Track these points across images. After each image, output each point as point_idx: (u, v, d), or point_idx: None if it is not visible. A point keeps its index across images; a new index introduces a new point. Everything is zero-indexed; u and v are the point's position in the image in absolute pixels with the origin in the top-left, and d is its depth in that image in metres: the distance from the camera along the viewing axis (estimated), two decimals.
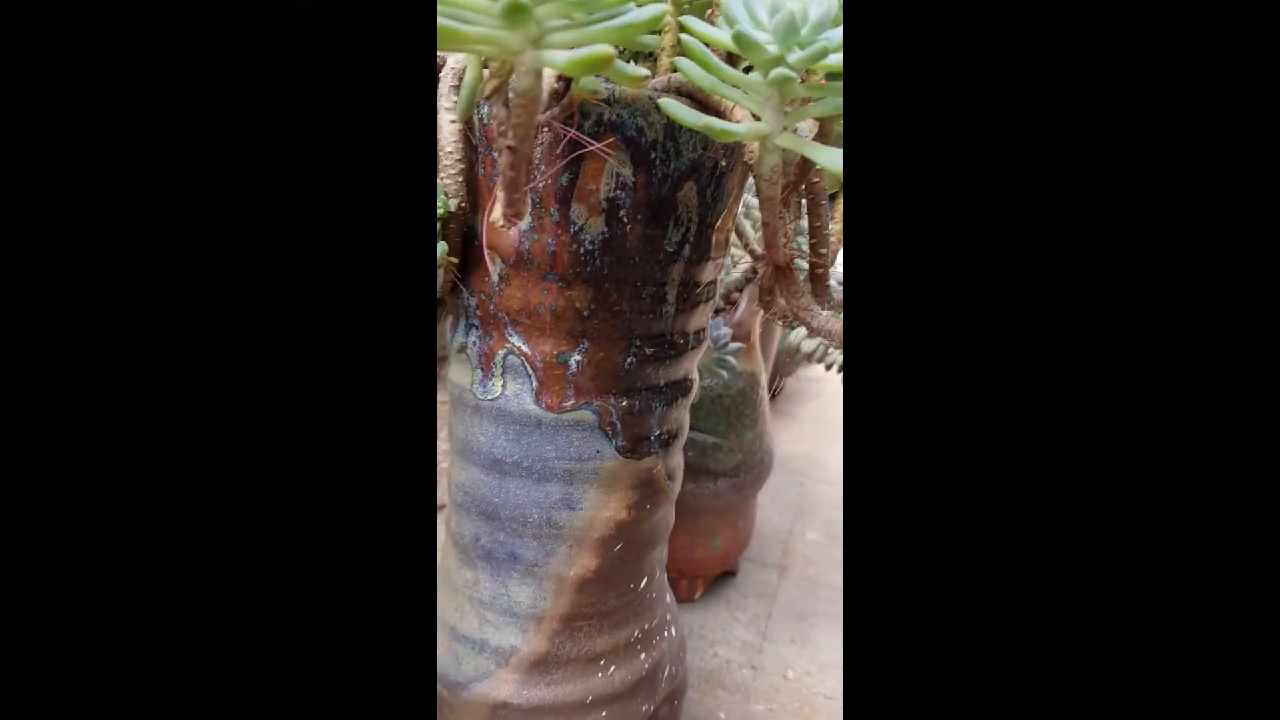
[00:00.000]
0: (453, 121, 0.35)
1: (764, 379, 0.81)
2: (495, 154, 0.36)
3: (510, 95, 0.22)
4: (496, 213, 0.28)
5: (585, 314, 0.38)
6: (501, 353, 0.39)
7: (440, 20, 0.19)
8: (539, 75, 0.22)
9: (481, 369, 0.40)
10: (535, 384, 0.39)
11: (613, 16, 0.21)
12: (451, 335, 0.42)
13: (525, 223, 0.36)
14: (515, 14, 0.20)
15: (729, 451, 0.77)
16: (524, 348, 0.39)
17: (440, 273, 0.39)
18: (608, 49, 0.18)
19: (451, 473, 0.44)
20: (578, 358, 0.39)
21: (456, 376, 0.42)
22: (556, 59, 0.19)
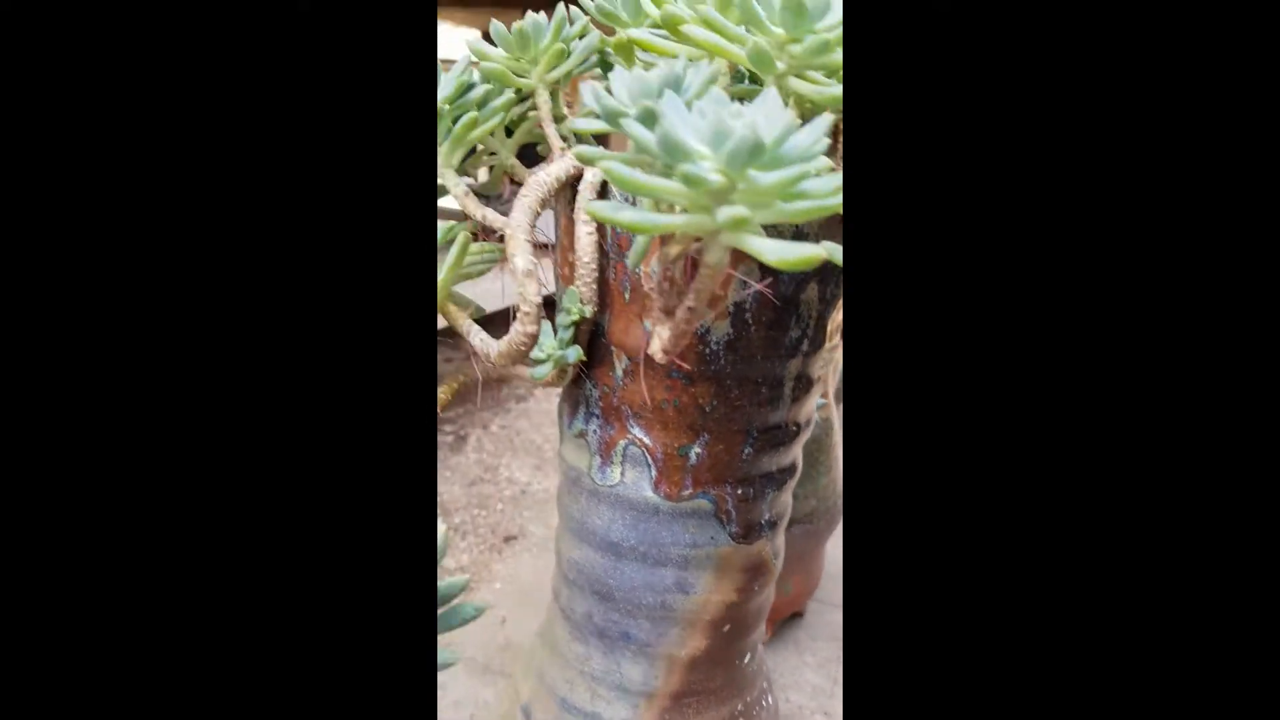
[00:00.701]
0: (590, 234, 0.36)
1: (838, 424, 0.81)
2: (626, 261, 0.37)
3: (701, 268, 0.23)
4: (655, 347, 0.29)
5: (707, 409, 0.39)
6: (622, 443, 0.41)
7: (634, 216, 0.20)
8: (729, 249, 0.23)
9: (601, 456, 0.42)
10: (654, 473, 0.40)
11: (800, 196, 0.22)
12: (570, 421, 0.44)
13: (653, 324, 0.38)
14: (719, 196, 0.21)
15: (803, 499, 0.78)
16: (645, 439, 0.40)
17: (569, 370, 0.40)
18: (819, 252, 0.19)
19: (563, 549, 0.46)
20: (697, 450, 0.40)
21: (573, 459, 0.44)
22: (765, 253, 0.20)
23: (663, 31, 0.34)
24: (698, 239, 0.24)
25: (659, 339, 0.29)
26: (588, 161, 0.24)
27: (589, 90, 0.25)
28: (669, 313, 0.30)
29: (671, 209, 0.26)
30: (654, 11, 0.33)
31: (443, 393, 0.40)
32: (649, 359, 0.38)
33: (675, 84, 0.24)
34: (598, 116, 0.25)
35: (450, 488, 1.10)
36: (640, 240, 0.27)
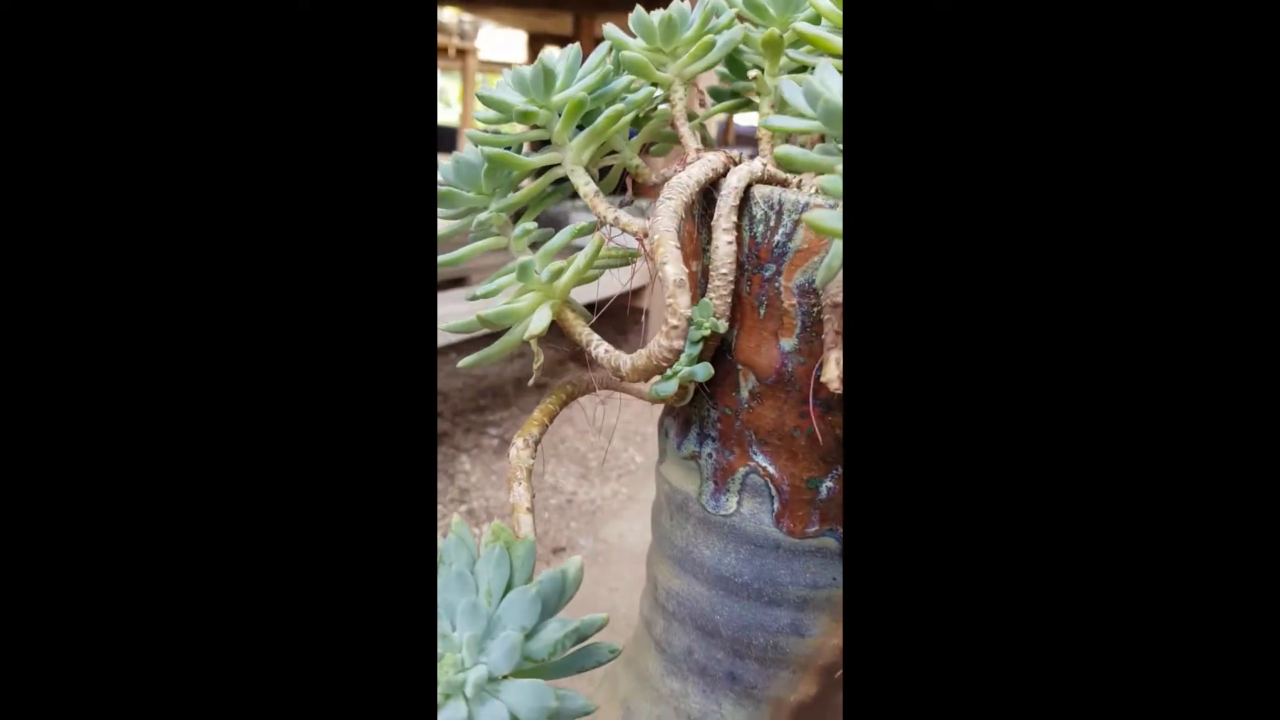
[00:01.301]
0: (729, 243, 0.33)
1: None
2: (764, 273, 0.34)
3: None
4: (831, 372, 0.26)
5: (843, 440, 0.36)
6: (743, 470, 0.38)
7: (825, 216, 0.17)
8: None
9: (715, 482, 0.39)
10: (777, 506, 0.37)
11: None
12: (679, 441, 0.41)
13: (790, 343, 0.35)
14: None
15: None
16: (770, 468, 0.37)
17: (690, 389, 0.37)
18: None
19: (660, 576, 0.43)
20: (829, 484, 0.37)
21: (679, 482, 0.41)
22: None
23: (828, 25, 0.31)
24: None
25: (836, 366, 0.26)
26: (793, 165, 0.21)
27: (793, 88, 0.22)
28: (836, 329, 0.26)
29: None
30: (823, 3, 0.30)
31: (551, 401, 0.38)
32: (780, 379, 0.35)
33: None
34: (796, 114, 0.22)
35: (497, 493, 1.08)
36: (836, 256, 0.24)
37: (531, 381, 0.36)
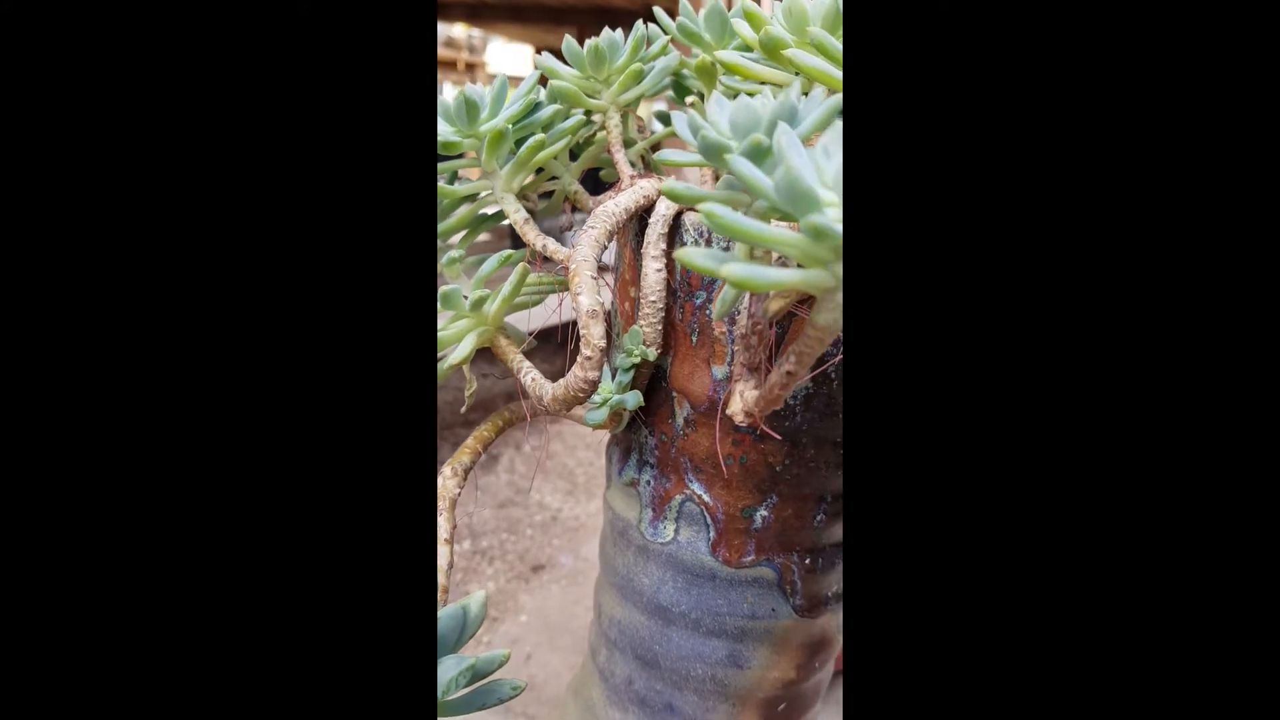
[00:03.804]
0: (659, 271, 0.33)
1: None
2: (695, 301, 0.34)
3: (807, 329, 0.20)
4: (735, 407, 0.26)
5: (778, 469, 0.35)
6: (679, 498, 0.37)
7: (744, 271, 0.17)
8: (839, 307, 0.19)
9: (653, 510, 0.38)
10: (713, 535, 0.37)
11: None
12: (620, 467, 0.40)
13: (722, 371, 0.34)
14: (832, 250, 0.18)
15: None
16: (705, 497, 0.37)
17: (624, 415, 0.37)
18: None
19: (604, 603, 0.42)
20: (764, 513, 0.36)
21: (621, 509, 0.40)
22: None
23: (755, 54, 0.31)
24: (804, 297, 0.21)
25: (740, 399, 0.26)
26: (678, 200, 0.21)
27: (681, 119, 0.22)
28: (753, 369, 0.26)
29: (768, 256, 0.23)
30: (746, 32, 0.30)
31: (485, 429, 0.37)
32: (713, 407, 0.35)
33: (789, 116, 0.20)
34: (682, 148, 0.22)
35: (480, 510, 1.07)
36: (730, 290, 0.23)
37: (464, 409, 0.36)
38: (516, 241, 1.50)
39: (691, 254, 0.19)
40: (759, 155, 0.19)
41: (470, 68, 4.31)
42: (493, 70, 4.51)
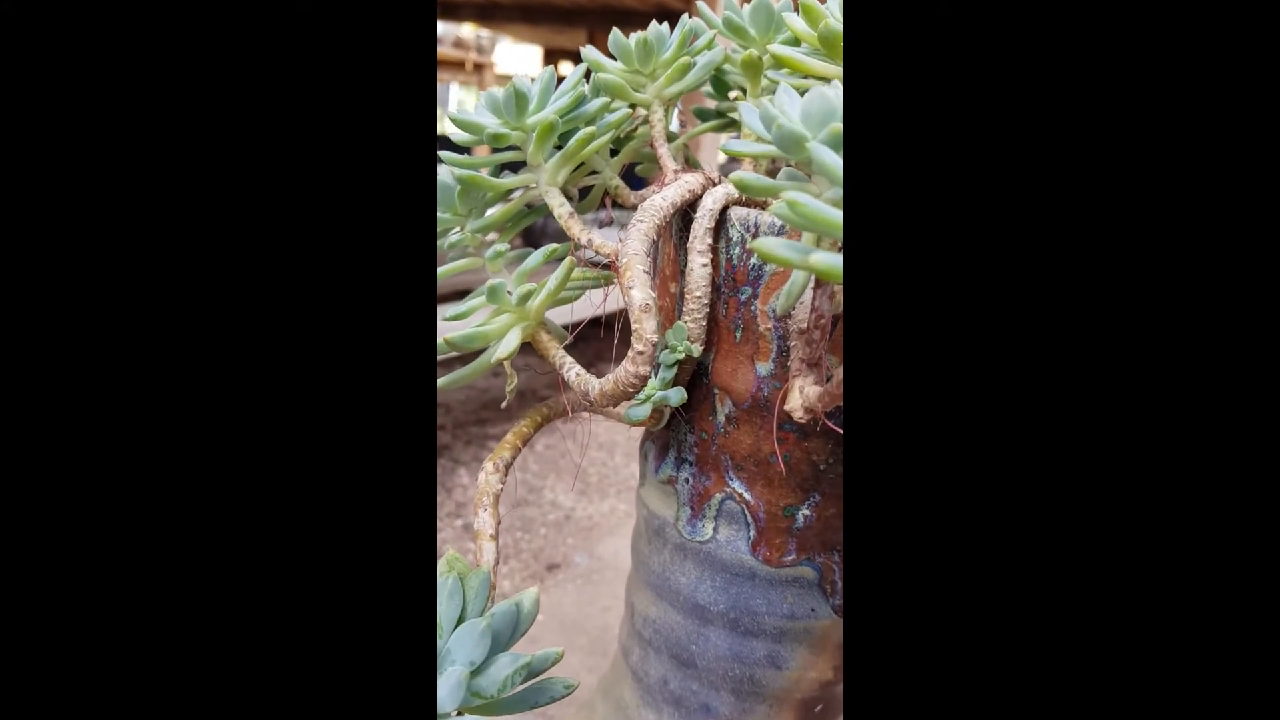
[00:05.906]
0: (704, 266, 0.32)
1: None
2: (740, 297, 0.34)
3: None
4: (794, 401, 0.25)
5: (821, 467, 0.35)
6: (719, 496, 0.37)
7: (826, 260, 0.16)
8: None
9: (691, 508, 0.38)
10: (753, 534, 0.36)
11: None
12: (657, 465, 0.40)
13: (766, 368, 0.34)
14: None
15: None
16: (746, 495, 0.36)
17: (665, 413, 0.36)
18: None
19: (637, 602, 0.42)
20: (806, 512, 0.36)
21: (657, 507, 0.40)
22: None
23: (805, 48, 0.31)
24: None
25: (800, 394, 0.25)
26: (749, 191, 0.21)
27: (751, 111, 0.22)
28: (813, 365, 0.26)
29: (834, 247, 0.23)
30: (799, 26, 0.30)
31: (525, 424, 0.37)
32: (756, 404, 0.34)
33: None
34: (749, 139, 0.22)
35: None
36: (797, 283, 0.23)
37: (504, 404, 0.35)
38: (526, 238, 1.49)
39: (771, 244, 0.18)
40: (840, 145, 0.19)
41: (479, 68, 4.31)
42: (500, 71, 4.51)
